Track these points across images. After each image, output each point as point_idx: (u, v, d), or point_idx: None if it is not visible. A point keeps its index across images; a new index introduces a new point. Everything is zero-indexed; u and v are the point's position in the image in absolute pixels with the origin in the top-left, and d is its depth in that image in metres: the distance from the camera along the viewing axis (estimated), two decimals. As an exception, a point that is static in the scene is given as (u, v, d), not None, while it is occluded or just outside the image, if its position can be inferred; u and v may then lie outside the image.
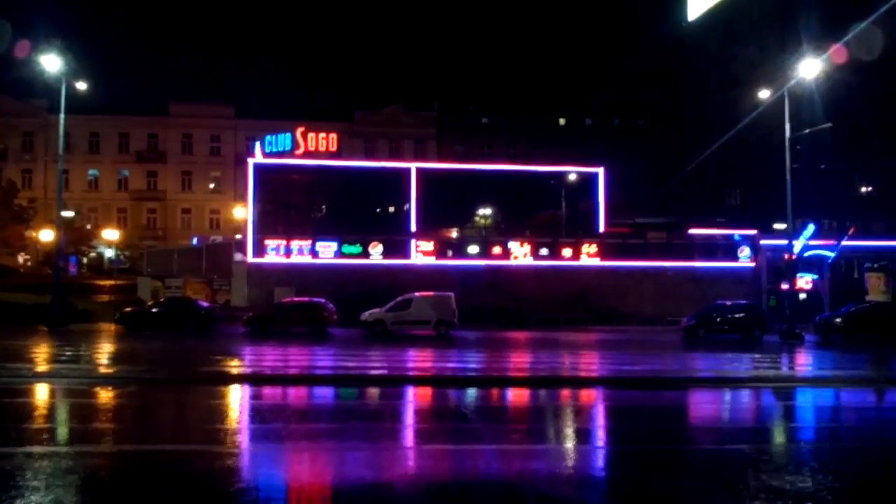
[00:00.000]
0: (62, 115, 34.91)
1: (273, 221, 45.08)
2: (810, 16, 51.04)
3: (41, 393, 17.08)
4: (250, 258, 42.47)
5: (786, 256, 36.24)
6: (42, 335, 30.37)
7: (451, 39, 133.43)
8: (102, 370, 20.73)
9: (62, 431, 13.06)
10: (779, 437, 13.62)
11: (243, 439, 12.45)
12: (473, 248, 43.86)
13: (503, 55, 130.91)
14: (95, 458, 10.51)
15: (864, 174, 55.59)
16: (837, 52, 39.93)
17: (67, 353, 24.56)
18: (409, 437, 13.26)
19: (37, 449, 10.79)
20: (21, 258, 65.94)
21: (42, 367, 20.82)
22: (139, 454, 10.95)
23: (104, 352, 26.22)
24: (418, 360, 25.36)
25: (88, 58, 68.85)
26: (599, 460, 11.58)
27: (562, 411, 16.27)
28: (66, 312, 34.42)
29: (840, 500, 9.13)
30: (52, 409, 15.75)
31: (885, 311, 34.65)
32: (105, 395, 16.56)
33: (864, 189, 56.28)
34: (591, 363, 25.13)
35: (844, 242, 41.45)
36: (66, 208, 44.88)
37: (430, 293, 34.71)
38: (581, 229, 45.38)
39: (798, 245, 37.36)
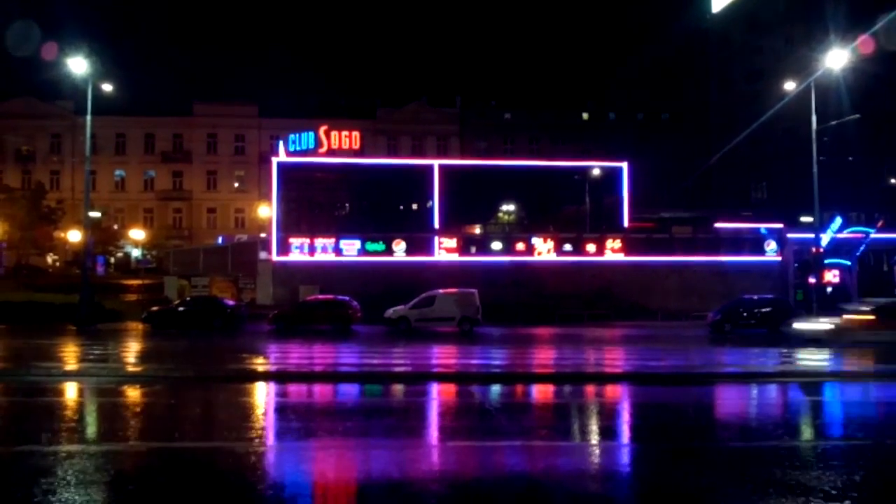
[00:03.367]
0: (89, 117, 35.34)
1: (297, 220, 45.35)
2: (837, 6, 50.45)
3: (71, 391, 17.30)
4: (275, 257, 42.76)
5: (813, 250, 35.87)
6: (71, 334, 30.78)
7: (473, 35, 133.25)
8: (130, 369, 20.96)
9: (92, 429, 13.22)
10: (807, 434, 13.48)
11: (269, 436, 12.53)
12: (497, 245, 43.82)
13: (526, 50, 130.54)
14: (125, 456, 10.63)
15: (892, 166, 54.82)
16: (864, 43, 39.43)
17: (96, 352, 24.86)
18: (433, 434, 13.27)
19: (67, 447, 10.93)
20: (50, 258, 66.84)
21: (71, 366, 21.10)
22: (167, 451, 11.06)
23: (132, 350, 26.51)
24: (442, 356, 25.39)
25: (114, 59, 69.49)
26: (625, 457, 11.52)
27: (587, 407, 16.20)
28: (94, 312, 34.85)
29: (871, 497, 9.03)
30: (81, 407, 15.96)
31: (915, 305, 34.08)
32: (133, 394, 16.74)
33: (893, 181, 55.49)
34: (615, 359, 25.00)
35: (873, 235, 40.95)
36: (93, 209, 45.36)
37: (454, 290, 34.74)
38: (605, 224, 45.20)
39: (825, 238, 36.99)
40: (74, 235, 56.92)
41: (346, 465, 10.61)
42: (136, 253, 68.08)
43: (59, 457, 10.26)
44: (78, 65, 33.70)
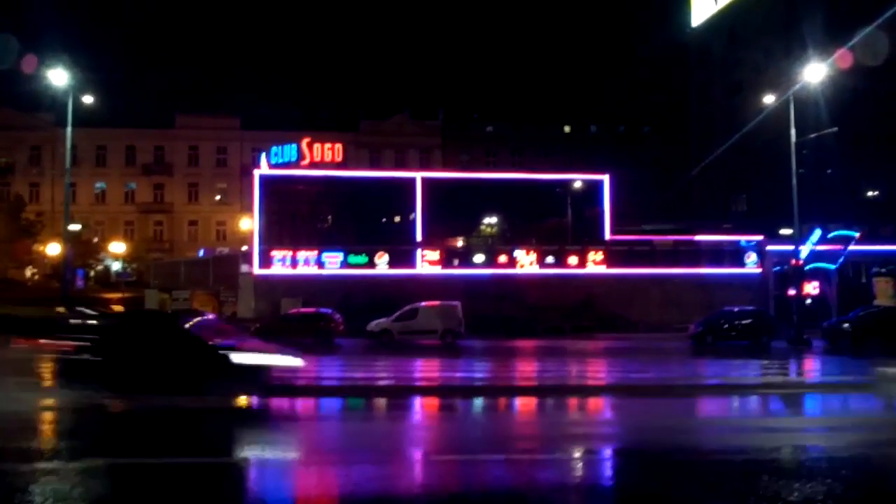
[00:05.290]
0: (69, 129, 35.11)
1: (279, 232, 45.19)
2: (815, 20, 51.01)
3: (48, 407, 17.07)
4: (257, 269, 42.56)
5: (792, 262, 36.15)
6: (50, 348, 30.37)
7: (455, 48, 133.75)
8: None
9: (68, 446, 13.04)
10: (788, 445, 13.53)
11: (249, 451, 12.42)
12: (479, 257, 43.89)
13: (508, 63, 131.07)
14: (104, 472, 10.50)
15: (870, 179, 55.47)
16: (842, 57, 39.94)
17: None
18: (416, 448, 13.22)
19: (46, 465, 10.77)
20: (28, 272, 66.10)
21: (49, 382, 20.83)
22: (146, 467, 10.93)
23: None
24: (425, 369, 25.34)
25: (95, 71, 69.09)
26: (608, 469, 11.54)
27: (570, 420, 16.21)
28: (73, 325, 34.47)
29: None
30: (60, 422, 15.74)
31: (893, 316, 34.45)
32: (113, 408, 16.54)
33: (870, 193, 56.12)
34: (598, 371, 25.07)
35: (851, 247, 41.33)
36: (73, 221, 45.04)
37: (437, 302, 34.72)
38: (587, 237, 45.35)
39: (805, 250, 37.28)
40: (54, 248, 56.40)
41: (329, 481, 10.54)
42: (116, 266, 67.60)
43: (37, 474, 10.11)
44: (58, 76, 33.52)
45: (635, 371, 23.62)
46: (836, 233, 41.71)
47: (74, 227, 50.22)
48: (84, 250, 61.67)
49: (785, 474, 10.52)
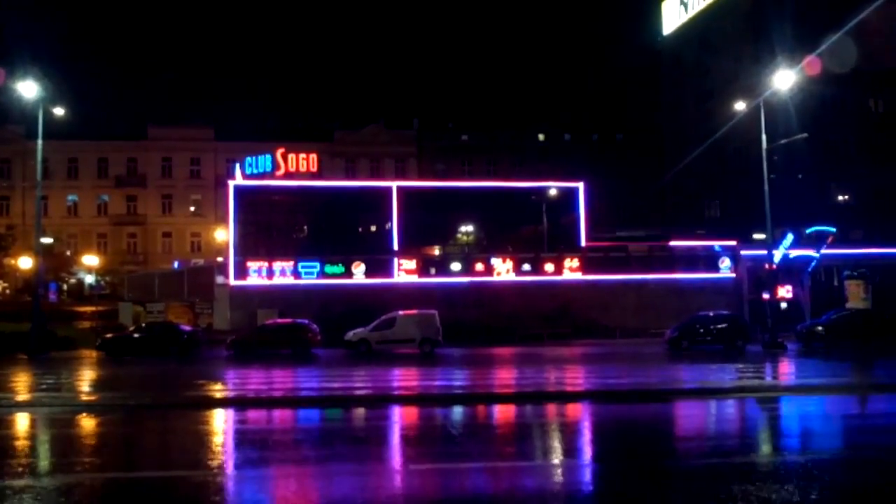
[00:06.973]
0: (40, 141, 34.67)
1: (255, 243, 44.87)
2: (784, 28, 51.70)
3: (22, 422, 16.86)
4: (232, 281, 42.21)
5: (766, 266, 36.54)
6: (22, 363, 30.05)
7: (430, 57, 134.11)
8: (85, 398, 20.51)
9: (44, 461, 12.88)
10: (766, 448, 13.67)
11: (229, 465, 12.33)
12: (456, 266, 43.86)
13: (482, 73, 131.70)
14: (79, 488, 10.37)
15: (840, 183, 56.14)
16: (811, 64, 40.53)
17: (49, 381, 24.29)
18: (396, 458, 13.19)
19: (17, 482, 10.62)
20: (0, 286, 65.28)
21: (23, 396, 20.58)
22: (124, 482, 10.82)
23: (86, 379, 25.96)
24: (404, 378, 25.30)
25: (66, 83, 68.46)
26: (587, 475, 11.57)
27: (549, 427, 16.24)
28: (46, 340, 34.05)
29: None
30: (33, 438, 15.55)
31: (865, 318, 34.98)
32: (88, 423, 16.38)
33: (840, 197, 56.82)
34: (576, 377, 25.14)
35: (823, 251, 41.83)
36: (44, 235, 44.49)
37: (414, 311, 34.65)
38: (563, 244, 45.47)
39: (778, 254, 37.69)
40: (25, 262, 55.61)
41: (308, 493, 10.49)
42: (89, 279, 66.77)
43: (9, 492, 9.96)
44: (28, 88, 33.09)
45: (613, 377, 23.74)
46: (813, 228, 41.87)
47: (46, 240, 49.62)
48: (56, 264, 60.99)
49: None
